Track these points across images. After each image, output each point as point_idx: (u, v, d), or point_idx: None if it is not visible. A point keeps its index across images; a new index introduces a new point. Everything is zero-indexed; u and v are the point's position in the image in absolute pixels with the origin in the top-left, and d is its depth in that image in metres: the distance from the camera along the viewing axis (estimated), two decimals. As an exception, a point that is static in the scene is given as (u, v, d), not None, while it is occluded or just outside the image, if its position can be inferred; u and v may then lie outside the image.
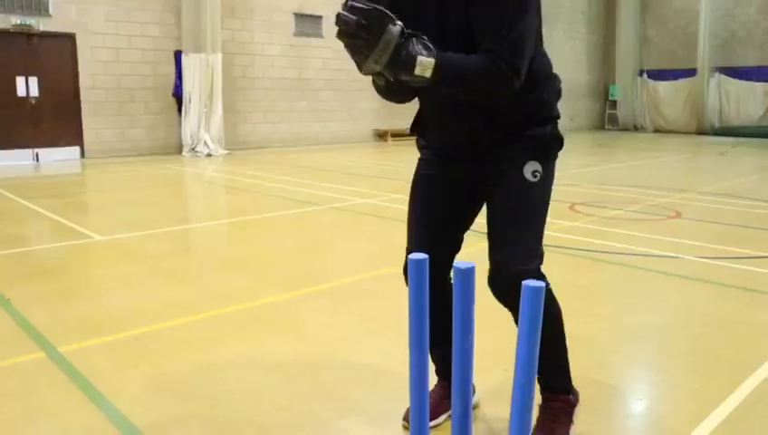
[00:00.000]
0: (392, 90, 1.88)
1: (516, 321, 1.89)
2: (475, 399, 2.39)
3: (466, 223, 2.14)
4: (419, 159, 2.16)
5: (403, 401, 2.24)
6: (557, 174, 2.06)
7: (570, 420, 2.08)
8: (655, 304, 3.71)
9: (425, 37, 1.69)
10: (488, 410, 2.37)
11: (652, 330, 3.30)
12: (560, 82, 2.04)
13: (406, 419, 2.24)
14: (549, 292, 1.91)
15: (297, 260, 4.72)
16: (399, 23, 1.66)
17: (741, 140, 17.72)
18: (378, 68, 1.69)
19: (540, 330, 0.93)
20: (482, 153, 1.98)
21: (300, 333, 3.20)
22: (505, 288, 1.90)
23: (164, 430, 2.23)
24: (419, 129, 2.15)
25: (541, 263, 1.94)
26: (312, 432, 2.23)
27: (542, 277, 1.88)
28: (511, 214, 1.95)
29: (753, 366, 2.75)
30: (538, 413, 2.09)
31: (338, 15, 1.67)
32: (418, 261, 1.00)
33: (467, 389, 1.01)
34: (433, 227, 2.09)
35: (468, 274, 0.96)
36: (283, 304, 3.66)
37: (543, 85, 1.95)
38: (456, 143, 2.03)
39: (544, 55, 1.97)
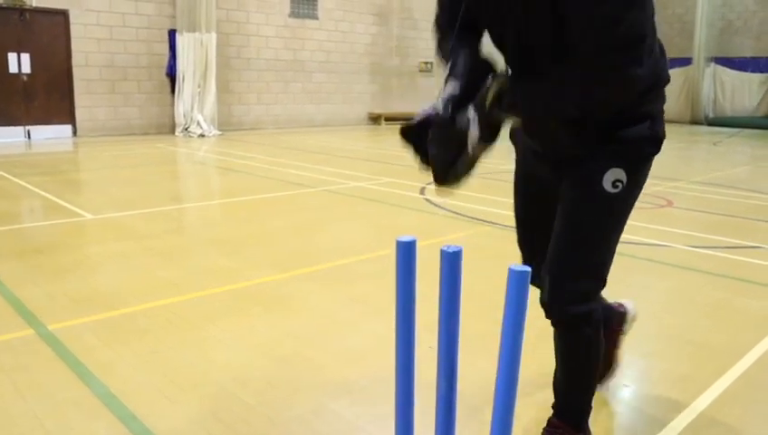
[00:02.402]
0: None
1: (556, 345, 1.81)
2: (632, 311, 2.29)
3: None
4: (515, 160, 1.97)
5: (394, 383, 2.25)
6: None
7: None
8: (644, 292, 3.74)
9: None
10: (474, 392, 2.39)
11: (641, 317, 3.32)
12: (666, 60, 1.70)
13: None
14: (598, 330, 1.74)
15: (289, 242, 4.72)
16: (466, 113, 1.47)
17: (735, 130, 17.76)
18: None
19: (525, 315, 0.94)
20: (563, 153, 1.70)
21: (291, 314, 3.20)
22: (554, 322, 1.75)
23: (153, 407, 2.24)
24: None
25: (595, 303, 1.72)
26: (302, 412, 2.24)
27: (594, 321, 1.71)
28: (574, 231, 1.66)
29: (740, 353, 2.78)
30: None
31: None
32: (406, 244, 1.00)
33: (453, 369, 1.02)
34: (528, 229, 1.96)
35: (455, 257, 0.97)
36: (275, 284, 3.67)
37: (647, 65, 1.50)
38: (539, 141, 1.78)
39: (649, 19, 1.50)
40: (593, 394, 1.94)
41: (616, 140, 1.62)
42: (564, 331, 1.79)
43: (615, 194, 1.61)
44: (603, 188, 1.60)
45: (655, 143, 1.67)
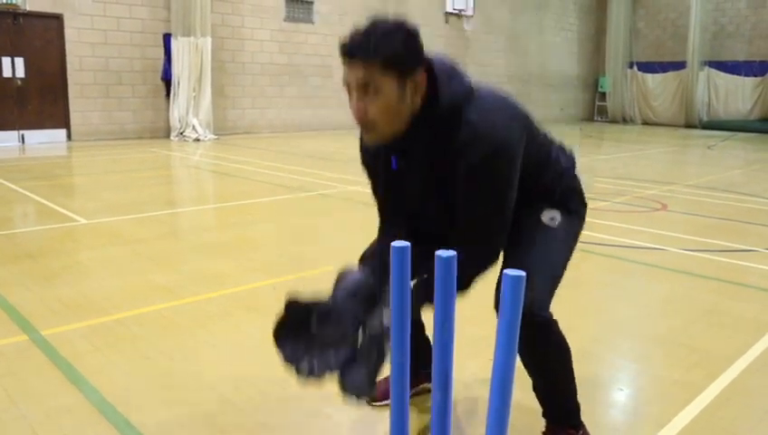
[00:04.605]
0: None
1: (531, 355, 1.89)
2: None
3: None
4: None
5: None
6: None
7: None
8: (638, 295, 3.75)
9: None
10: (469, 397, 2.39)
11: (634, 320, 3.33)
12: (568, 156, 2.02)
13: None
14: (557, 327, 1.84)
15: (283, 246, 4.71)
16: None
17: (728, 134, 17.84)
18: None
19: (519, 321, 0.93)
20: None
21: (285, 320, 3.19)
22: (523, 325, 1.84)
23: (146, 412, 2.23)
24: None
25: (547, 313, 1.84)
26: (295, 417, 2.24)
27: (550, 324, 1.84)
28: (525, 255, 1.87)
29: (733, 357, 2.79)
30: None
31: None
32: (400, 248, 0.99)
33: (447, 380, 1.01)
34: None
35: (449, 262, 0.96)
36: (268, 289, 3.66)
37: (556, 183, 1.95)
38: None
39: (549, 165, 1.93)
40: (576, 385, 1.98)
41: (550, 204, 1.95)
42: (534, 333, 1.78)
43: (553, 227, 1.92)
44: (541, 221, 1.91)
45: (577, 194, 2.02)
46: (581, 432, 1.99)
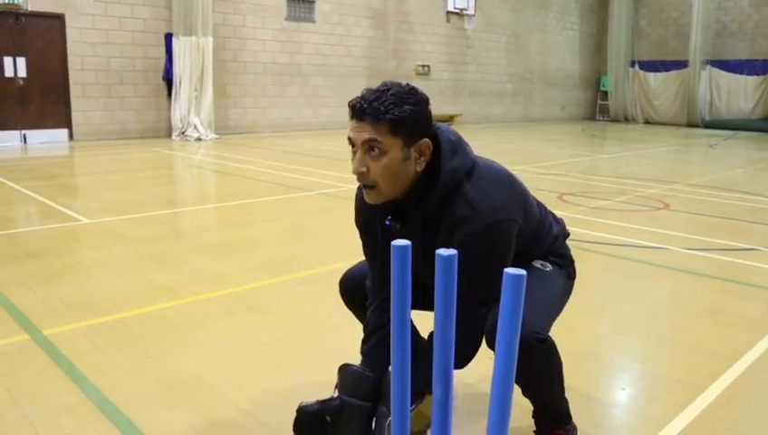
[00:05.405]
0: None
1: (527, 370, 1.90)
2: None
3: None
4: None
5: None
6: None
7: None
8: (640, 295, 3.74)
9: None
10: (470, 396, 2.38)
11: (636, 320, 3.32)
12: (560, 227, 2.06)
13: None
14: (552, 344, 1.84)
15: (285, 245, 4.71)
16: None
17: (731, 133, 17.81)
18: None
19: (520, 318, 0.93)
20: None
21: (285, 319, 3.19)
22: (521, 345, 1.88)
23: (148, 412, 2.22)
24: None
25: (544, 334, 1.83)
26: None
27: (545, 342, 1.83)
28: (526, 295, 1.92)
29: (735, 356, 2.78)
30: None
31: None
32: (401, 247, 0.99)
33: (448, 377, 1.01)
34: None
35: (450, 260, 0.96)
36: (269, 289, 3.66)
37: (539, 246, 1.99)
38: None
39: (540, 235, 1.97)
40: (564, 389, 1.99)
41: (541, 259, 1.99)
42: (530, 352, 1.78)
43: (546, 271, 1.97)
44: (534, 265, 1.96)
45: (565, 257, 2.06)
46: (570, 427, 2.00)
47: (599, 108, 23.86)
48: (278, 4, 14.56)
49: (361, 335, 2.07)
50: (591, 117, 23.86)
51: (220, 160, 9.85)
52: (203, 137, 12.82)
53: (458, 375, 2.37)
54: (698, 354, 2.83)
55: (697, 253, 4.60)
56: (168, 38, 12.73)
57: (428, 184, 1.74)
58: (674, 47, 21.35)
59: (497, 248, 1.76)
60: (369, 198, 1.76)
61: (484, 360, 2.62)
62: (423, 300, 1.67)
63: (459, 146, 1.77)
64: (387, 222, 1.86)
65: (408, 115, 1.65)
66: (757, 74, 19.79)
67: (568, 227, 2.15)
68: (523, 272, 0.91)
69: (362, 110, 1.65)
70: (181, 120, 12.84)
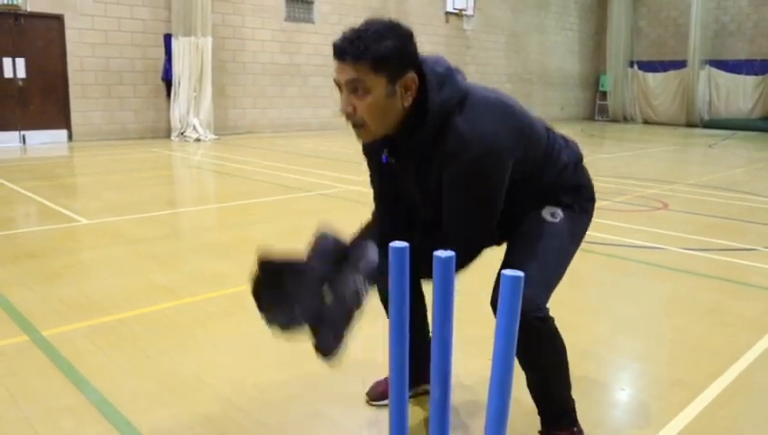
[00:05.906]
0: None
1: (526, 353, 1.85)
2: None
3: None
4: None
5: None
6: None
7: None
8: (639, 295, 3.74)
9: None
10: (468, 396, 2.39)
11: (636, 319, 3.33)
12: (572, 147, 2.02)
13: (369, 395, 2.35)
14: (553, 325, 1.84)
15: (284, 245, 4.70)
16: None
17: (729, 132, 17.82)
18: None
19: (518, 321, 0.93)
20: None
21: (285, 319, 3.19)
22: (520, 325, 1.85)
23: (147, 412, 2.23)
24: None
25: (543, 311, 1.82)
26: (296, 418, 2.24)
27: (546, 322, 1.82)
28: (524, 249, 1.88)
29: (735, 356, 2.78)
30: None
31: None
32: (399, 249, 0.99)
33: (446, 377, 1.01)
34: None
35: (448, 262, 0.96)
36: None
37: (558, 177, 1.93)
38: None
39: (550, 159, 1.93)
40: (571, 384, 1.96)
41: (553, 202, 1.94)
42: (530, 330, 1.76)
43: (555, 222, 1.90)
44: (542, 217, 1.90)
45: (577, 189, 1.99)
46: (576, 429, 1.98)
47: (598, 108, 23.86)
48: (277, 4, 14.55)
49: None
50: (590, 117, 23.87)
51: (219, 161, 9.85)
52: (202, 137, 12.82)
53: (457, 376, 2.39)
54: (698, 354, 2.84)
55: (696, 253, 4.61)
56: (168, 39, 12.73)
57: (418, 118, 1.72)
58: (673, 47, 21.36)
59: (488, 179, 1.73)
60: (360, 137, 1.74)
61: (483, 360, 2.63)
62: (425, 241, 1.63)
63: (448, 77, 1.73)
64: (383, 158, 1.86)
65: (390, 52, 1.61)
66: (756, 74, 19.79)
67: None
68: (521, 274, 0.91)
69: (343, 50, 1.63)
70: (180, 121, 12.83)
